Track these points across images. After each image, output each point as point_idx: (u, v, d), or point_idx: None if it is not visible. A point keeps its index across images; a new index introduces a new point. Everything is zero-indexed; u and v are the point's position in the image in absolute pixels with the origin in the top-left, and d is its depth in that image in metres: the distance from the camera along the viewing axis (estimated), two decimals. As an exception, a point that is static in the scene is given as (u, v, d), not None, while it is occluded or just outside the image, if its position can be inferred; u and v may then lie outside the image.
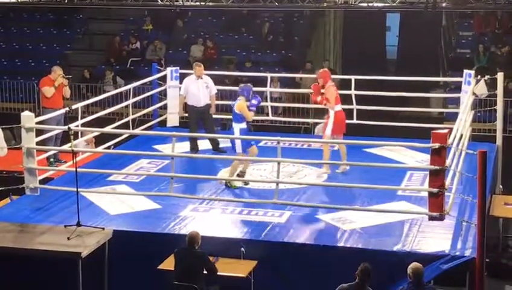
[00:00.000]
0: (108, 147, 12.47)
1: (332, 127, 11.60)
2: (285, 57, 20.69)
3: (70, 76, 13.19)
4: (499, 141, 13.01)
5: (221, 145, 12.84)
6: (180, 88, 14.46)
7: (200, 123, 13.01)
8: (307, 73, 18.19)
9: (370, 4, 15.88)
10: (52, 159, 12.26)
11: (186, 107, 13.25)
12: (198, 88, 12.82)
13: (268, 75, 14.92)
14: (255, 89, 14.68)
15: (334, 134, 11.64)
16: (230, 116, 11.35)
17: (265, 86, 14.73)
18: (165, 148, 12.66)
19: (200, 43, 21.02)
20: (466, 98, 12.31)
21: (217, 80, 14.07)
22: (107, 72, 20.14)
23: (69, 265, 8.58)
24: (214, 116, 13.40)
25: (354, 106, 13.70)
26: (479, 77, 12.95)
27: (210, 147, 12.92)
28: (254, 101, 11.25)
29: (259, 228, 9.47)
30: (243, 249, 8.93)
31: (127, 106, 13.65)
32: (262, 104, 15.10)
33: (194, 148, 12.70)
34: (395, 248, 8.84)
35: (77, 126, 11.65)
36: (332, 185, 10.84)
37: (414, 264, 7.90)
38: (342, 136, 11.79)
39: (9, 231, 9.36)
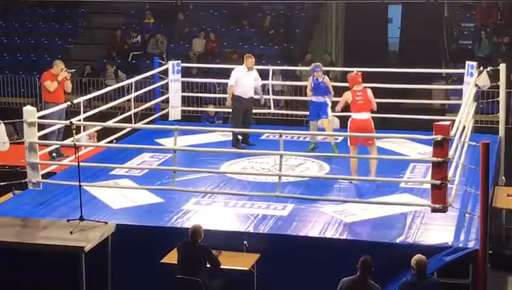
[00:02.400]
0: (111, 141, 12.47)
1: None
2: (287, 49, 20.68)
3: (73, 70, 13.18)
4: (502, 132, 12.99)
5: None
6: (181, 82, 14.52)
7: (245, 114, 12.93)
8: (306, 65, 18.16)
9: (372, -4, 15.84)
10: (54, 154, 12.25)
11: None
12: (247, 80, 12.82)
13: (270, 68, 14.89)
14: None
15: (350, 143, 10.95)
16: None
17: (267, 79, 14.69)
18: (167, 142, 12.65)
19: (201, 36, 21.01)
20: (468, 90, 12.29)
21: (222, 73, 14.03)
22: (109, 66, 20.14)
23: (72, 259, 8.58)
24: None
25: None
26: (481, 68, 12.94)
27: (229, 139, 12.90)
28: (312, 84, 12.46)
29: (261, 221, 9.47)
30: (245, 242, 8.93)
31: (128, 100, 13.63)
32: (264, 96, 15.08)
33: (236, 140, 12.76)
34: (397, 240, 8.84)
35: (79, 120, 11.65)
36: (335, 178, 10.82)
37: (418, 256, 7.90)
38: (356, 145, 10.87)
39: (12, 225, 9.36)
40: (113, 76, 19.81)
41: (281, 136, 9.90)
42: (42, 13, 23.37)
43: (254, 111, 13.99)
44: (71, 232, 8.93)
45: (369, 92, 11.16)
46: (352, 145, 10.90)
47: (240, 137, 12.82)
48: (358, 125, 10.86)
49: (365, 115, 10.92)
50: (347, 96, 11.13)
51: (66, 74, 12.54)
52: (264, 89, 15.08)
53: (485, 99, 14.62)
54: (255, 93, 13.05)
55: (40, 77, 13.37)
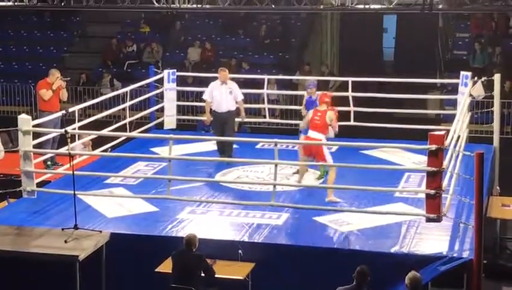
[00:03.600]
0: (106, 150, 12.47)
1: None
2: (282, 59, 20.70)
3: (68, 78, 13.19)
4: (496, 142, 13.01)
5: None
6: (176, 91, 14.54)
7: (222, 128, 12.78)
8: (304, 75, 18.20)
9: (366, 6, 15.85)
10: (49, 162, 12.26)
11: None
12: (221, 93, 12.73)
13: (266, 77, 14.92)
14: (252, 91, 14.83)
15: (303, 152, 10.98)
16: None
17: (262, 88, 14.73)
18: (162, 151, 12.64)
19: (197, 45, 21.01)
20: (463, 100, 12.32)
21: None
22: (104, 74, 20.14)
23: (67, 268, 8.57)
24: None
25: (351, 108, 13.72)
26: (475, 78, 12.98)
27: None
28: (305, 102, 12.06)
29: (256, 230, 9.47)
30: (240, 251, 8.93)
31: (124, 109, 13.63)
32: (259, 106, 15.14)
33: (222, 152, 12.65)
34: (392, 250, 8.84)
35: (74, 129, 11.64)
36: (330, 187, 10.81)
37: (412, 274, 7.78)
38: (311, 157, 10.88)
39: (7, 234, 9.34)
40: (108, 85, 19.80)
41: (276, 145, 9.91)
42: (37, 22, 23.34)
43: (249, 120, 13.99)
44: (66, 241, 8.91)
45: (329, 115, 10.76)
46: (304, 156, 10.89)
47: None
48: (307, 140, 10.85)
49: (317, 135, 10.74)
50: (310, 113, 11.03)
51: (61, 83, 12.54)
52: (260, 98, 15.10)
53: (480, 109, 14.66)
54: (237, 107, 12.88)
55: (35, 85, 13.36)
